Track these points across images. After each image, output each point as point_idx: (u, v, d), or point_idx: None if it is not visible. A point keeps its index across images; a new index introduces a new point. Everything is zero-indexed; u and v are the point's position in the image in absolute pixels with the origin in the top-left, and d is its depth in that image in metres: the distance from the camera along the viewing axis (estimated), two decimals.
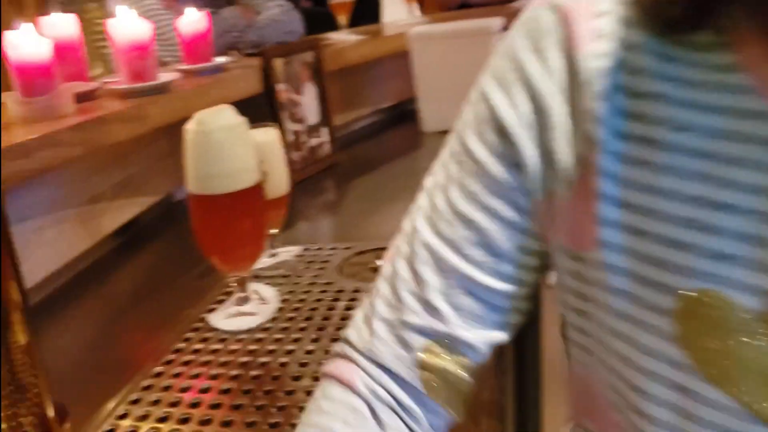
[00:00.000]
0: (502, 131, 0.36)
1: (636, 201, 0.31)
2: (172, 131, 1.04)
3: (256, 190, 0.65)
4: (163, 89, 0.93)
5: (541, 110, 0.34)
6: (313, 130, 1.21)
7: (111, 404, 0.55)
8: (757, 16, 0.29)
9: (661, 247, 0.31)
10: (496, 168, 0.36)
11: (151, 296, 0.78)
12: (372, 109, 1.57)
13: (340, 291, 0.71)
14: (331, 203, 1.12)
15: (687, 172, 0.30)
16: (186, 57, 1.09)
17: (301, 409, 0.52)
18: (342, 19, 1.52)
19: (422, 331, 0.37)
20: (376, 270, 0.75)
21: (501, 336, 0.39)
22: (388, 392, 0.38)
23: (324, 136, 1.24)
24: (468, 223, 0.37)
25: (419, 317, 0.37)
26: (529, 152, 0.35)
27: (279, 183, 0.76)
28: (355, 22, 1.82)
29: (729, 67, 0.30)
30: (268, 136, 0.76)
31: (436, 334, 0.37)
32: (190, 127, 0.63)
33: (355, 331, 0.41)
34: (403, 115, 1.64)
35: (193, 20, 1.08)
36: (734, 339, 0.29)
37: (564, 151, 0.34)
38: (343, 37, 1.47)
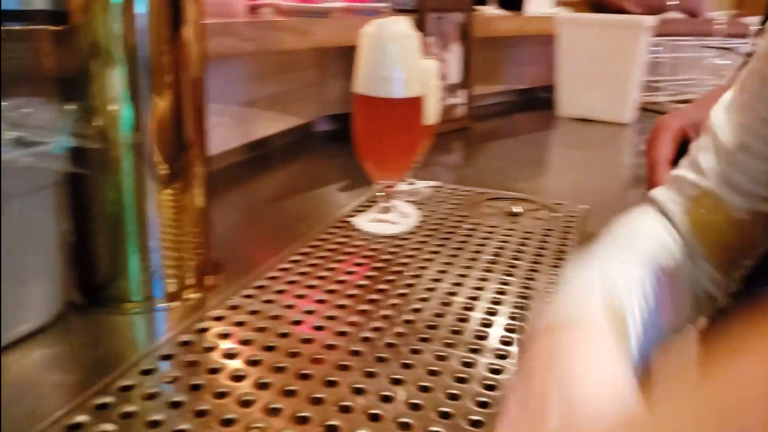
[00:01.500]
0: None
1: None
2: (324, 60, 1.08)
3: (419, 102, 0.65)
4: (325, 13, 0.96)
5: None
6: (452, 90, 1.22)
7: (261, 268, 0.57)
8: None
9: None
10: None
11: (295, 197, 0.81)
12: (507, 88, 1.55)
13: (476, 224, 0.71)
14: (463, 157, 1.12)
15: None
16: None
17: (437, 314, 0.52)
18: None
19: (693, 187, 0.46)
20: (511, 215, 0.75)
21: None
22: (658, 225, 0.47)
23: (462, 98, 1.24)
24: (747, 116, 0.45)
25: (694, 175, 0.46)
26: None
27: (430, 112, 0.77)
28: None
29: None
30: (429, 63, 0.77)
31: (705, 191, 0.46)
32: (368, 29, 0.64)
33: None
34: (535, 101, 1.61)
35: None
36: None
37: None
38: (490, 10, 1.46)
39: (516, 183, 0.92)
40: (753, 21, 1.51)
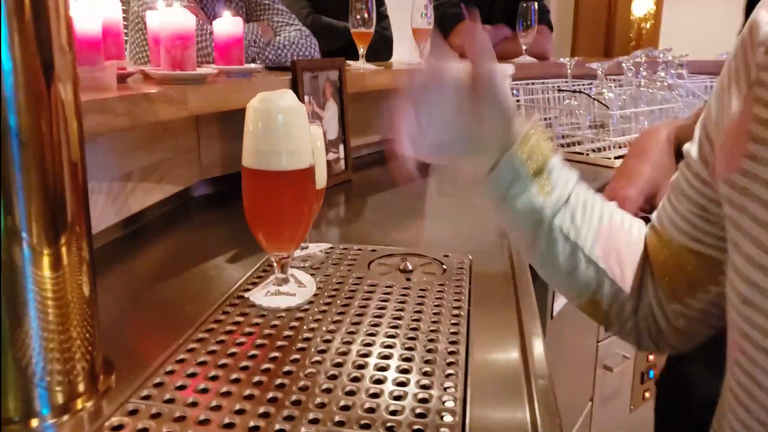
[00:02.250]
0: None
1: None
2: (198, 124, 1.05)
3: (310, 173, 0.66)
4: (201, 80, 0.95)
5: (728, 79, 0.46)
6: (331, 146, 1.23)
7: (156, 362, 0.54)
8: None
9: None
10: None
11: (182, 274, 0.77)
12: (381, 138, 1.60)
13: (373, 285, 0.72)
14: (348, 213, 1.14)
15: None
16: (219, 58, 1.11)
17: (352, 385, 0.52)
18: (362, 48, 1.57)
19: None
20: (404, 272, 0.77)
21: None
22: None
23: (340, 152, 1.26)
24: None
25: None
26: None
27: (320, 176, 0.77)
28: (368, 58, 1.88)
29: None
30: (315, 130, 0.77)
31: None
32: (254, 104, 0.64)
33: None
34: None
35: (229, 23, 1.10)
36: None
37: (733, 105, 0.44)
38: (362, 66, 1.51)
39: (402, 236, 0.95)
40: (596, 65, 1.68)
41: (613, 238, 0.57)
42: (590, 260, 0.56)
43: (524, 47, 2.11)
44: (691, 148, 0.53)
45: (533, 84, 1.70)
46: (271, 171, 0.63)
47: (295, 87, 1.14)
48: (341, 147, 1.27)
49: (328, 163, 1.22)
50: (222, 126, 1.12)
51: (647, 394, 1.57)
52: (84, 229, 0.47)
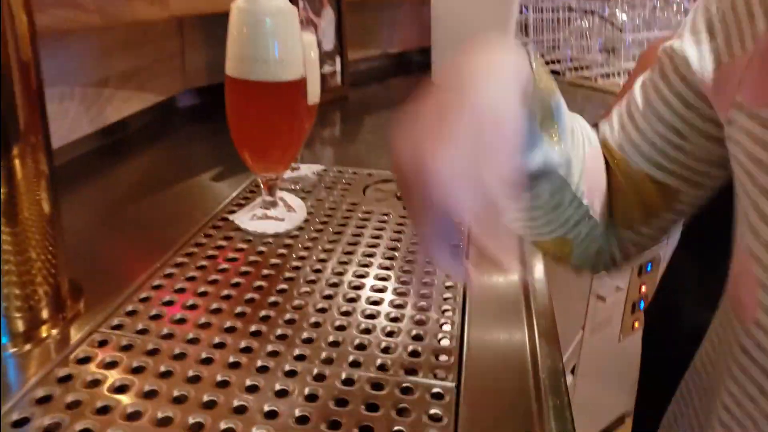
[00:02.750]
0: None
1: None
2: (182, 29, 0.97)
3: (301, 84, 0.59)
4: None
5: None
6: (327, 57, 1.15)
7: (130, 288, 0.49)
8: None
9: None
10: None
11: (162, 193, 0.72)
12: (381, 52, 1.51)
13: (368, 212, 0.67)
14: (344, 133, 1.07)
15: None
16: None
17: (340, 311, 0.48)
18: None
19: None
20: (401, 198, 0.72)
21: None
22: None
23: (337, 65, 1.18)
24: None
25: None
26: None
27: (312, 90, 0.71)
28: None
29: None
30: (308, 38, 0.70)
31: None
32: (239, 4, 0.57)
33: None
34: (410, 64, 1.59)
35: None
36: None
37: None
38: None
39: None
40: None
41: (592, 167, 0.49)
42: (575, 197, 0.47)
43: None
44: (673, 65, 0.46)
45: (543, 1, 1.59)
46: (258, 81, 0.56)
47: None
48: (338, 60, 1.19)
49: (323, 76, 1.15)
50: (209, 31, 1.03)
51: (636, 324, 1.58)
52: (41, 139, 0.41)
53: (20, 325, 0.43)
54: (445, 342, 0.46)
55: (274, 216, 0.62)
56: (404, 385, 0.40)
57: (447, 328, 0.47)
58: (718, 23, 0.42)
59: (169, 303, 0.48)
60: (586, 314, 1.31)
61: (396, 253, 0.58)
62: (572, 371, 1.31)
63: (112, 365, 0.40)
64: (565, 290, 1.16)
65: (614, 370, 1.54)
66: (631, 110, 0.50)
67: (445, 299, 0.51)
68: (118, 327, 0.44)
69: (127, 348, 0.42)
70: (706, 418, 0.45)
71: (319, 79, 0.72)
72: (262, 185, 0.62)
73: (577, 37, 1.54)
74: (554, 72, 1.50)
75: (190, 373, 0.40)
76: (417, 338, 0.46)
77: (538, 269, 0.58)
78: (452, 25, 1.33)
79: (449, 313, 0.49)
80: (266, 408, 0.37)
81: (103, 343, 0.43)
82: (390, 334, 0.46)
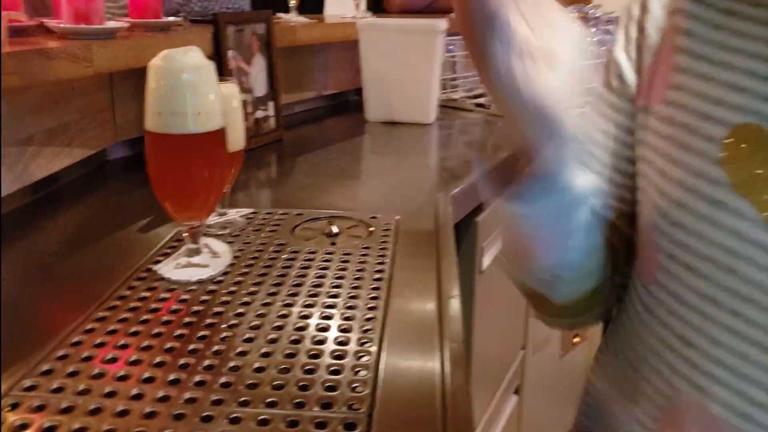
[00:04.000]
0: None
1: (709, 55, 0.39)
2: (112, 82, 0.98)
3: (218, 136, 0.61)
4: (109, 35, 0.87)
5: (644, 8, 0.45)
6: (259, 103, 1.18)
7: (48, 347, 0.50)
8: None
9: (722, 90, 0.38)
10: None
11: (88, 247, 0.72)
12: (315, 94, 1.55)
13: (294, 252, 0.69)
14: (277, 174, 1.09)
15: (754, 37, 0.38)
16: (133, 11, 1.03)
17: (263, 355, 0.49)
18: (292, 0, 1.49)
19: None
20: (330, 235, 0.74)
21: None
22: None
23: (270, 110, 1.21)
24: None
25: None
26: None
27: (235, 138, 0.73)
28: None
29: None
30: (229, 89, 0.73)
31: None
32: (156, 62, 0.59)
33: None
34: (346, 105, 1.63)
35: None
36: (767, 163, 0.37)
37: (654, 34, 0.43)
38: (293, 18, 1.44)
39: (332, 198, 0.92)
40: None
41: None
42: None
43: None
44: (618, 92, 0.48)
45: None
46: (176, 134, 0.58)
47: (218, 41, 1.08)
48: (271, 104, 1.21)
49: (257, 121, 1.17)
50: (140, 83, 1.03)
51: (576, 339, 1.62)
52: None
53: None
54: (362, 373, 0.47)
55: (197, 263, 0.63)
56: (318, 420, 0.42)
57: (365, 359, 0.49)
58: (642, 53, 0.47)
59: (88, 359, 0.48)
60: (526, 334, 1.34)
61: (319, 290, 0.60)
62: (516, 391, 1.34)
63: (23, 428, 0.41)
64: (503, 312, 1.20)
65: (558, 387, 1.58)
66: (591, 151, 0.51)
67: (365, 331, 0.53)
68: (31, 389, 0.45)
69: (39, 409, 0.43)
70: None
71: (243, 126, 0.74)
72: (185, 233, 0.63)
73: None
74: (480, 105, 1.56)
75: (105, 427, 0.41)
76: (335, 372, 0.47)
77: (454, 307, 0.58)
78: (381, 66, 1.38)
79: (368, 344, 0.51)
80: None
81: (15, 406, 0.43)
82: (309, 371, 0.48)
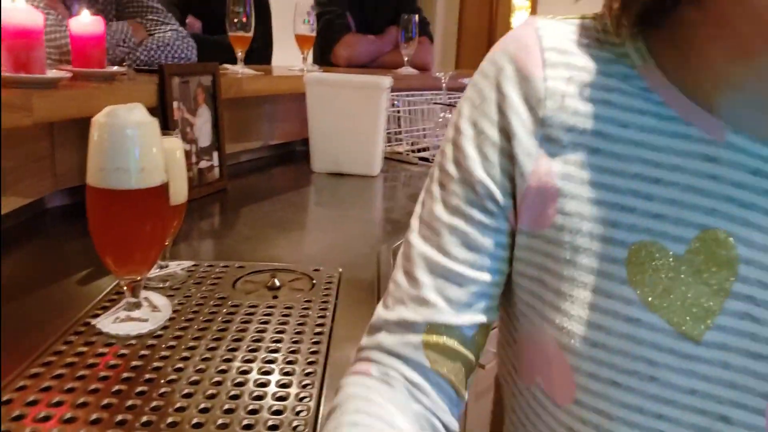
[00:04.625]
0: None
1: (593, 179, 0.40)
2: (53, 130, 0.98)
3: (160, 191, 0.62)
4: (50, 84, 0.88)
5: (508, 136, 0.42)
6: (204, 153, 1.19)
7: None
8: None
9: (613, 212, 0.39)
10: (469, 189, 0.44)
11: (23, 299, 0.71)
12: (262, 144, 1.57)
13: (235, 306, 0.70)
14: (220, 226, 1.10)
15: (629, 157, 0.40)
16: (76, 60, 1.04)
17: (201, 410, 0.50)
18: (240, 52, 1.52)
19: (423, 323, 0.43)
20: (272, 288, 0.75)
21: (485, 318, 0.44)
22: (398, 372, 0.43)
23: (214, 160, 1.22)
24: (451, 229, 0.44)
25: (418, 313, 0.43)
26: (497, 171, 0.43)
27: (178, 191, 0.74)
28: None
29: (644, 92, 0.41)
30: (172, 143, 0.74)
31: (433, 323, 0.43)
32: (100, 119, 0.60)
33: (365, 336, 0.46)
34: (293, 155, 1.65)
35: (86, 23, 1.03)
36: (668, 277, 0.38)
37: (526, 160, 0.41)
38: (240, 70, 1.47)
39: (275, 250, 0.93)
40: (466, 79, 1.74)
41: None
42: None
43: (406, 58, 2.14)
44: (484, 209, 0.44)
45: (412, 96, 1.73)
46: (118, 190, 0.59)
47: (163, 92, 1.09)
48: (215, 154, 1.22)
49: (201, 171, 1.18)
50: (81, 131, 1.03)
51: None
52: None
53: None
54: (300, 428, 0.48)
55: (137, 317, 0.63)
56: None
57: (303, 414, 0.50)
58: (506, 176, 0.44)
59: (19, 418, 0.47)
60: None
61: (260, 344, 0.61)
62: None
63: None
64: None
65: None
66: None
67: (304, 386, 0.54)
68: None
69: None
70: None
71: (186, 178, 0.75)
72: (125, 287, 0.63)
73: (442, 126, 1.68)
74: (423, 159, 1.61)
75: None
76: (273, 428, 0.48)
77: None
78: (327, 119, 1.42)
79: (307, 400, 0.52)
80: None
81: None
82: (247, 426, 0.48)
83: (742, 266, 0.38)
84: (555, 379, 0.42)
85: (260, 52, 2.24)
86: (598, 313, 0.39)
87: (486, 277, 0.43)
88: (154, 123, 0.62)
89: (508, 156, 0.42)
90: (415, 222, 0.47)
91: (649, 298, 0.38)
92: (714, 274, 0.38)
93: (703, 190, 0.39)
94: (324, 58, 2.33)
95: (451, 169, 0.44)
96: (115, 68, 1.08)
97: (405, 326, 0.43)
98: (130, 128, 0.59)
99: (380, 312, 0.46)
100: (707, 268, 0.38)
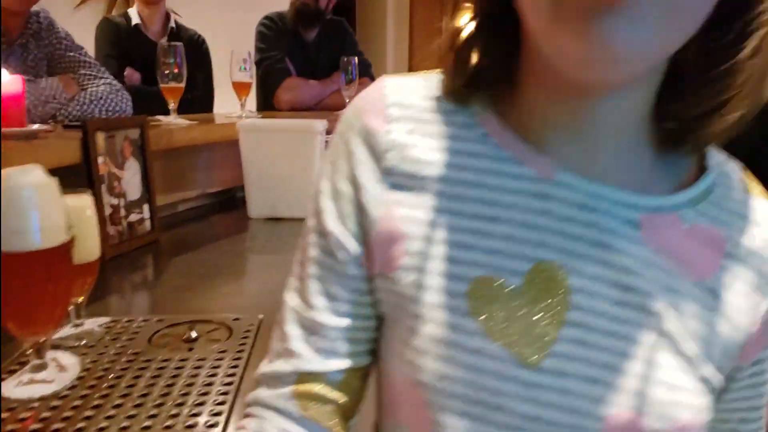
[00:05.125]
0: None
1: (435, 220, 0.42)
2: None
3: (62, 251, 0.63)
4: None
5: (357, 187, 0.44)
6: (133, 206, 1.19)
7: None
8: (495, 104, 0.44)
9: (454, 249, 0.41)
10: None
11: None
12: (200, 192, 1.57)
13: (148, 361, 0.70)
14: (147, 279, 1.09)
15: (469, 198, 0.42)
16: None
17: None
18: (172, 103, 1.54)
19: (292, 373, 0.45)
20: (188, 341, 0.75)
21: (352, 362, 0.46)
22: (273, 424, 0.44)
23: (145, 213, 1.22)
24: (312, 279, 0.46)
25: (289, 364, 0.45)
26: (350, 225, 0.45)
27: (89, 249, 0.74)
28: (186, 110, 1.86)
29: (482, 138, 0.43)
30: (81, 201, 0.74)
31: (302, 372, 0.45)
32: None
33: (250, 392, 0.47)
34: (232, 201, 1.66)
35: (4, 82, 1.03)
36: (507, 308, 0.40)
37: (374, 209, 0.44)
38: (173, 121, 1.48)
39: (199, 301, 0.93)
40: None
41: None
42: None
43: (347, 100, 2.19)
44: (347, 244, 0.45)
45: None
46: (17, 253, 0.59)
47: (87, 148, 1.09)
48: (146, 206, 1.22)
49: (130, 225, 1.18)
50: None
51: None
52: None
53: None
54: None
55: (42, 379, 0.62)
56: None
57: None
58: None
59: None
60: None
61: (167, 398, 0.61)
62: None
63: None
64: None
65: None
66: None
67: (209, 426, 0.54)
68: None
69: None
70: None
71: (98, 236, 0.76)
72: (30, 349, 0.63)
73: None
74: None
75: None
76: None
77: None
78: (262, 164, 1.44)
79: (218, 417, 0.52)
80: None
81: None
82: None
83: (575, 295, 0.40)
84: (412, 416, 0.43)
85: (202, 101, 2.26)
86: (444, 346, 0.41)
87: (347, 323, 0.45)
88: (51, 184, 0.62)
89: (359, 206, 0.44)
90: (289, 277, 0.49)
91: (491, 329, 0.40)
92: (549, 303, 0.40)
93: (536, 226, 0.41)
94: (267, 103, 2.36)
95: (311, 223, 0.47)
96: (36, 126, 1.08)
97: (278, 378, 0.45)
98: (26, 190, 0.60)
99: (261, 367, 0.47)
100: (543, 298, 0.40)
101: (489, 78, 0.43)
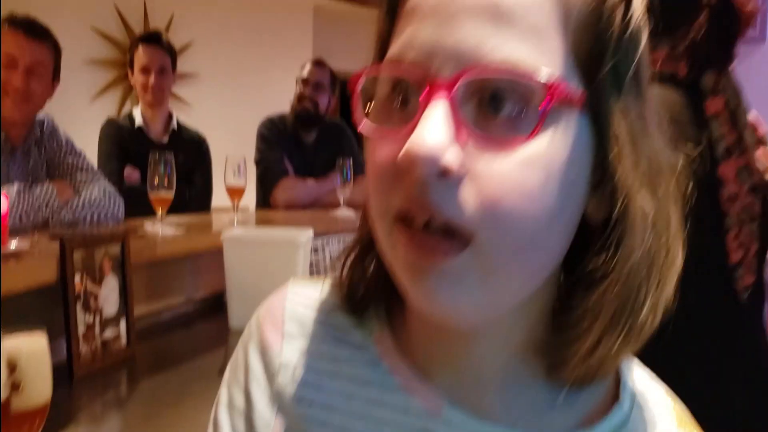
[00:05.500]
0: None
1: (326, 402, 0.41)
2: None
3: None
4: None
5: (249, 403, 0.43)
6: (109, 323, 1.18)
7: None
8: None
9: (345, 418, 0.40)
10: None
11: None
12: (186, 299, 1.56)
13: None
14: (116, 402, 1.06)
15: (353, 430, 0.40)
16: None
17: None
18: (160, 212, 1.55)
19: None
20: None
21: None
22: None
23: (121, 328, 1.20)
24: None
25: None
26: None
27: (41, 390, 0.72)
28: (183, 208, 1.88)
29: (374, 361, 0.41)
30: (32, 343, 0.73)
31: None
32: None
33: None
34: (217, 306, 1.64)
35: None
36: None
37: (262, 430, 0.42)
38: (158, 230, 1.49)
39: (167, 429, 0.90)
40: None
41: None
42: None
43: (341, 200, 2.20)
44: None
45: (329, 245, 1.76)
46: None
47: (63, 267, 1.09)
48: (122, 321, 1.21)
49: (105, 343, 1.16)
50: None
51: None
52: None
53: None
54: None
55: None
56: None
57: None
58: None
59: None
60: None
61: None
62: None
63: None
64: None
65: None
66: None
67: None
68: None
69: None
70: None
71: (49, 377, 0.74)
72: None
73: None
74: None
75: None
76: None
77: None
78: (245, 275, 1.43)
79: None
80: None
81: None
82: None
83: None
84: None
85: (199, 200, 2.30)
86: None
87: None
88: None
89: (250, 424, 0.43)
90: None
91: None
92: None
93: None
94: (265, 200, 2.39)
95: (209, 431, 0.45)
96: (13, 247, 1.09)
97: None
98: None
99: None
100: None
101: (384, 290, 0.41)
